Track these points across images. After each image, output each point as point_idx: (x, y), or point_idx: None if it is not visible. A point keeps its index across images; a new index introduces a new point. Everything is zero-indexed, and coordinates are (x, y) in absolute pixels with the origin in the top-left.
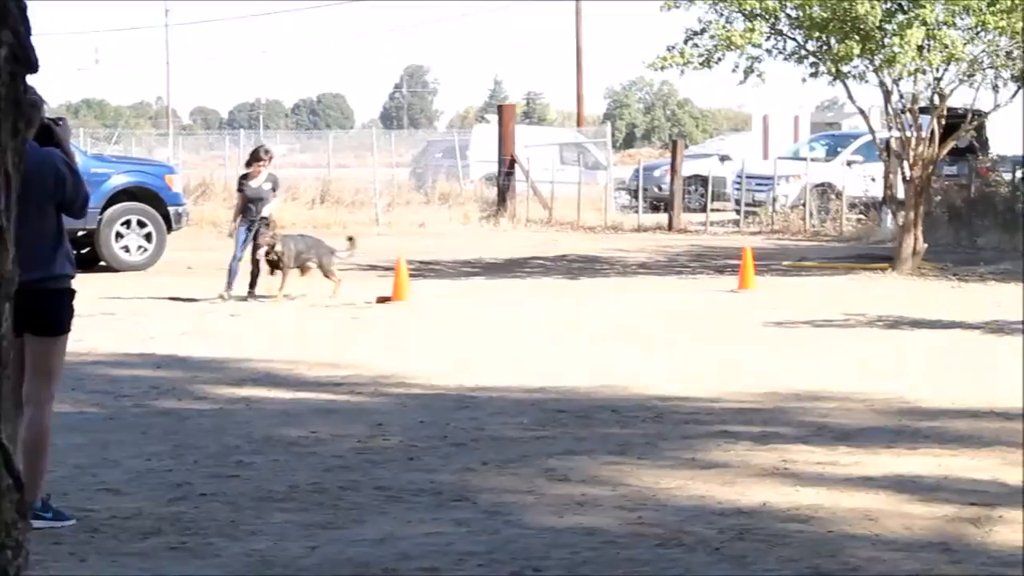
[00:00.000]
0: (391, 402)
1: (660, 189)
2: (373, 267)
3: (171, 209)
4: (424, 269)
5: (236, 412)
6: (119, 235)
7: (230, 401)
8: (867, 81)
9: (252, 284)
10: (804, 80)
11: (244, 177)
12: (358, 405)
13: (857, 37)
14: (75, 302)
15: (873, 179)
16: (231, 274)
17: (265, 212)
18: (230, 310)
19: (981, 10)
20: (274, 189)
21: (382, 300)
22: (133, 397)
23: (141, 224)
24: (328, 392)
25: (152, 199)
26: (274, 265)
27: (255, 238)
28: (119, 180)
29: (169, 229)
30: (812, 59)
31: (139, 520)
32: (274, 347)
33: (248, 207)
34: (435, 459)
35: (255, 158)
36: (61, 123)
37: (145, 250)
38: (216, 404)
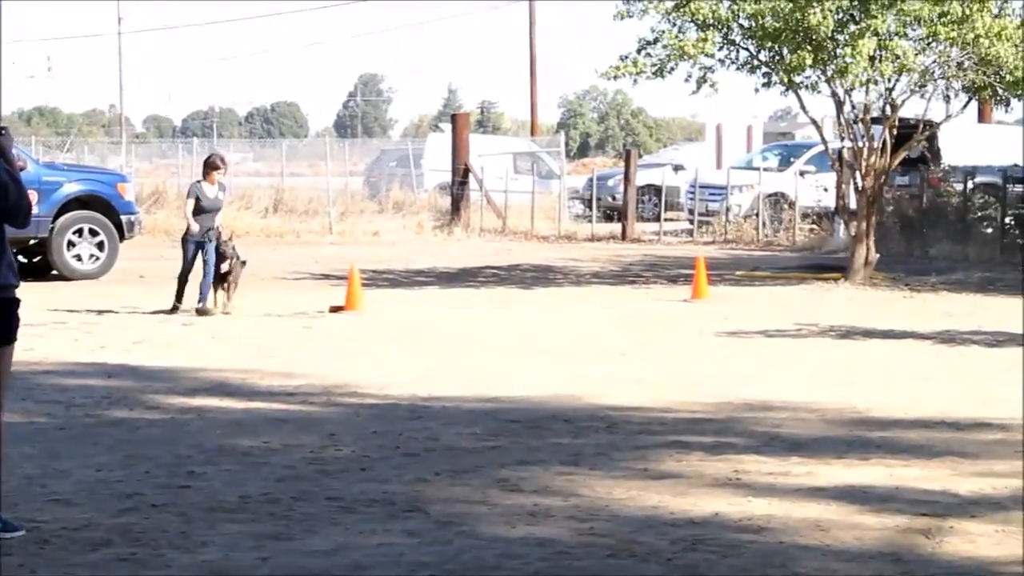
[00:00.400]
0: (344, 412)
1: (614, 199)
2: (326, 276)
3: (123, 218)
4: (377, 278)
5: (188, 422)
6: (71, 244)
7: (182, 411)
8: (819, 91)
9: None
10: (757, 90)
11: (198, 184)
12: (310, 415)
13: (809, 47)
14: (21, 311)
15: (826, 189)
16: (203, 289)
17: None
18: (183, 320)
19: (932, 21)
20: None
21: (335, 309)
22: (84, 407)
23: (93, 233)
24: (280, 402)
25: (104, 207)
26: (223, 278)
27: (222, 252)
28: (71, 188)
29: (121, 238)
30: (765, 69)
31: (89, 531)
32: (227, 357)
33: (198, 218)
34: (388, 469)
35: (210, 167)
36: (4, 132)
37: (97, 259)
38: (168, 414)
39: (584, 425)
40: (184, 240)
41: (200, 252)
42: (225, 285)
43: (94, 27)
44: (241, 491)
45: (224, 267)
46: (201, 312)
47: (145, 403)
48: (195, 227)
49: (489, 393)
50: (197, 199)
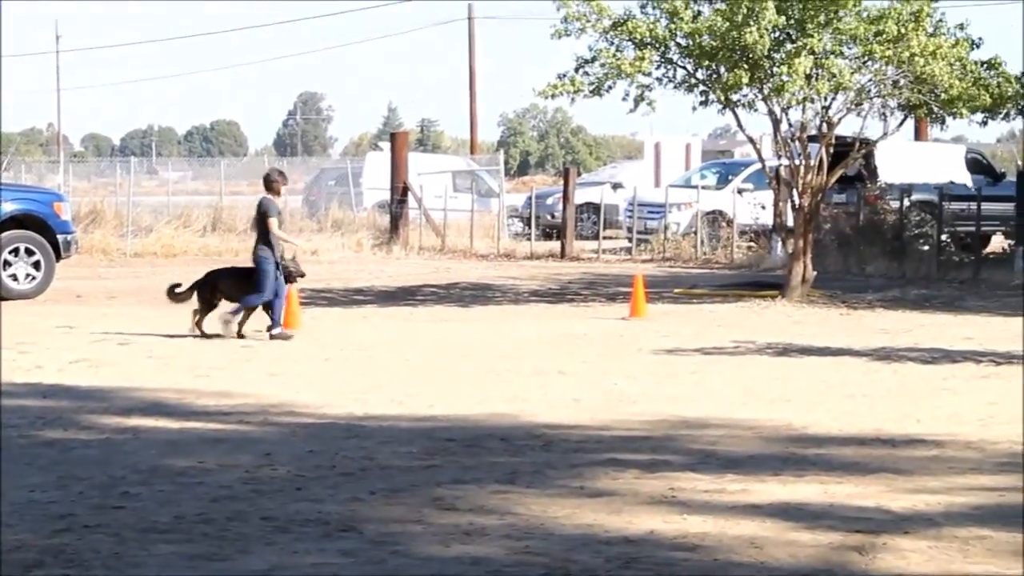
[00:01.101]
0: (280, 431)
1: (553, 217)
2: None
3: (60, 237)
4: (316, 297)
5: (123, 442)
6: (7, 263)
7: (117, 431)
8: (756, 109)
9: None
10: (694, 108)
11: (270, 200)
12: (246, 435)
13: (746, 66)
14: None
15: (763, 207)
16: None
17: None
18: (119, 340)
19: (868, 40)
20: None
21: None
22: (18, 427)
23: (29, 252)
24: (216, 422)
25: (40, 227)
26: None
27: (291, 272)
28: (6, 208)
29: (58, 257)
30: (702, 88)
31: (22, 552)
32: (163, 376)
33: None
34: (323, 489)
35: (272, 181)
36: None
37: (33, 278)
38: (103, 434)
39: (520, 443)
40: (263, 259)
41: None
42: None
43: (32, 46)
44: (175, 511)
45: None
46: (281, 337)
47: (80, 423)
48: (299, 243)
49: (425, 412)
50: (279, 215)
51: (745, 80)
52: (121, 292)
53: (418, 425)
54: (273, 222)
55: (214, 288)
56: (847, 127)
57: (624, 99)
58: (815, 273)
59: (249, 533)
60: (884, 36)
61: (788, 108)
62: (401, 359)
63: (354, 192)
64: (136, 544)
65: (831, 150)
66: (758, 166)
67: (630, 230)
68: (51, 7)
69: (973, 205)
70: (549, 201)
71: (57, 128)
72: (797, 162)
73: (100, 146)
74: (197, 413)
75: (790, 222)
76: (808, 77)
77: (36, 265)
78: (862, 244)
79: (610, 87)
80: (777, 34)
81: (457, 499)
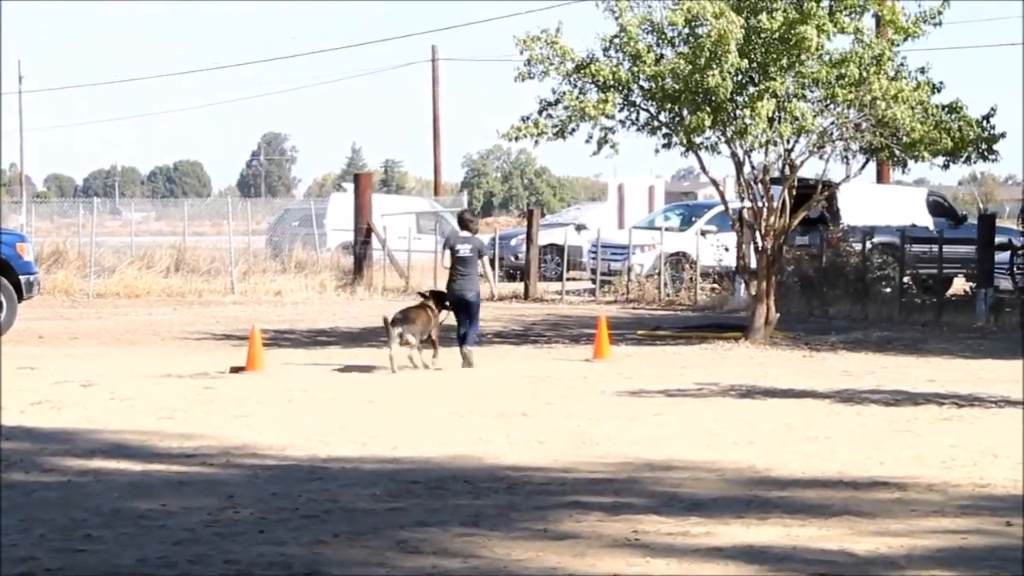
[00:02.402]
0: (243, 474)
1: (516, 258)
2: (227, 336)
3: (22, 278)
4: (279, 338)
5: (85, 485)
6: None
7: (79, 473)
8: (719, 152)
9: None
10: (657, 151)
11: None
12: (209, 477)
13: (709, 109)
14: None
15: (727, 249)
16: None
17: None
18: (81, 381)
19: (830, 83)
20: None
21: (236, 370)
22: None
23: None
24: (179, 464)
25: (3, 268)
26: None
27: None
28: None
29: (20, 298)
30: (665, 130)
31: None
32: (125, 418)
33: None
34: (286, 531)
35: (468, 221)
36: None
37: None
38: (64, 476)
39: (484, 486)
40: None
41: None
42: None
43: None
44: (138, 555)
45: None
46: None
47: (41, 465)
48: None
49: (389, 454)
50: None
51: (708, 123)
52: (84, 333)
53: (382, 467)
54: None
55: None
56: (810, 169)
57: (588, 141)
58: (778, 315)
59: None
60: (846, 79)
61: (751, 150)
62: (364, 401)
63: (318, 233)
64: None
65: (794, 192)
66: (721, 208)
67: (594, 271)
68: (14, 46)
69: (935, 248)
70: (513, 242)
71: (20, 168)
72: (760, 204)
73: (63, 186)
74: (160, 455)
75: (753, 264)
76: (771, 120)
77: None
78: (825, 286)
79: (573, 129)
80: (740, 77)
81: (421, 542)
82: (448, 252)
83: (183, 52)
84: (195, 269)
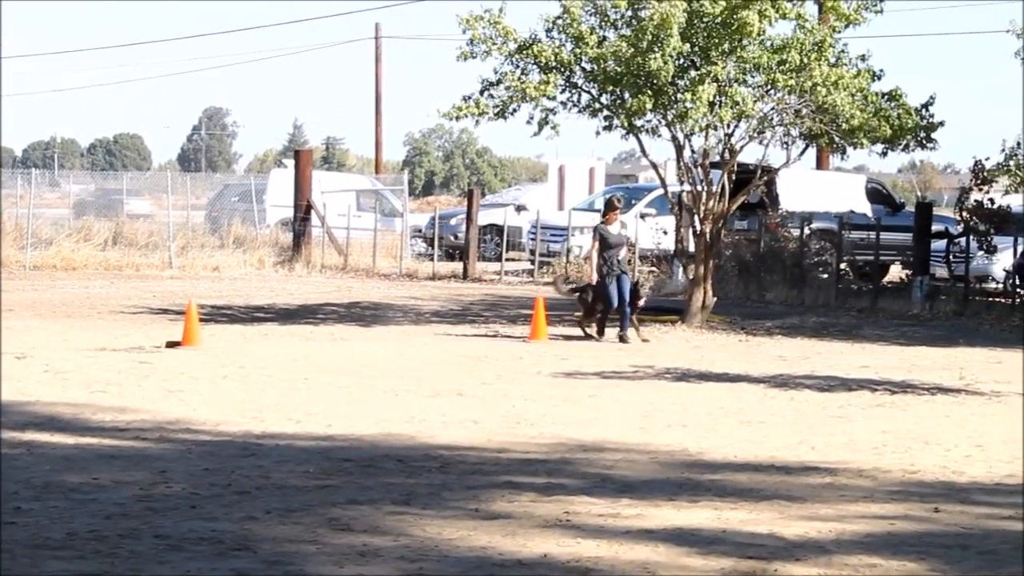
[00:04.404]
0: (176, 449)
1: (456, 238)
2: (164, 311)
3: None
4: (216, 314)
5: (16, 457)
6: None
7: (11, 446)
8: (660, 135)
9: (601, 330)
10: (598, 133)
11: (603, 224)
12: (142, 451)
13: (650, 92)
14: None
15: (665, 232)
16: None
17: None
18: (15, 353)
19: (771, 68)
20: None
21: (172, 345)
22: None
23: None
24: (112, 438)
25: None
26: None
27: (635, 294)
28: None
29: None
30: (606, 112)
31: None
32: (59, 391)
33: (605, 255)
34: (218, 507)
35: (610, 207)
36: None
37: None
38: None
39: (417, 465)
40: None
41: (616, 285)
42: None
43: None
44: (68, 528)
45: (641, 303)
46: (624, 339)
47: None
48: (594, 276)
49: (323, 431)
50: (603, 238)
51: (649, 106)
52: (19, 305)
53: (315, 445)
54: (593, 245)
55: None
56: (749, 155)
57: (529, 122)
58: (715, 299)
59: (142, 551)
60: (787, 65)
61: (691, 134)
62: (300, 378)
63: (257, 209)
64: (27, 561)
65: (733, 177)
66: (661, 191)
67: (533, 252)
68: None
69: (872, 234)
70: (453, 222)
71: None
72: (699, 188)
73: (1, 157)
74: (92, 429)
75: (691, 248)
76: (711, 104)
77: None
78: (762, 271)
79: (515, 110)
80: (681, 61)
81: (352, 520)
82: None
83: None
84: (133, 243)
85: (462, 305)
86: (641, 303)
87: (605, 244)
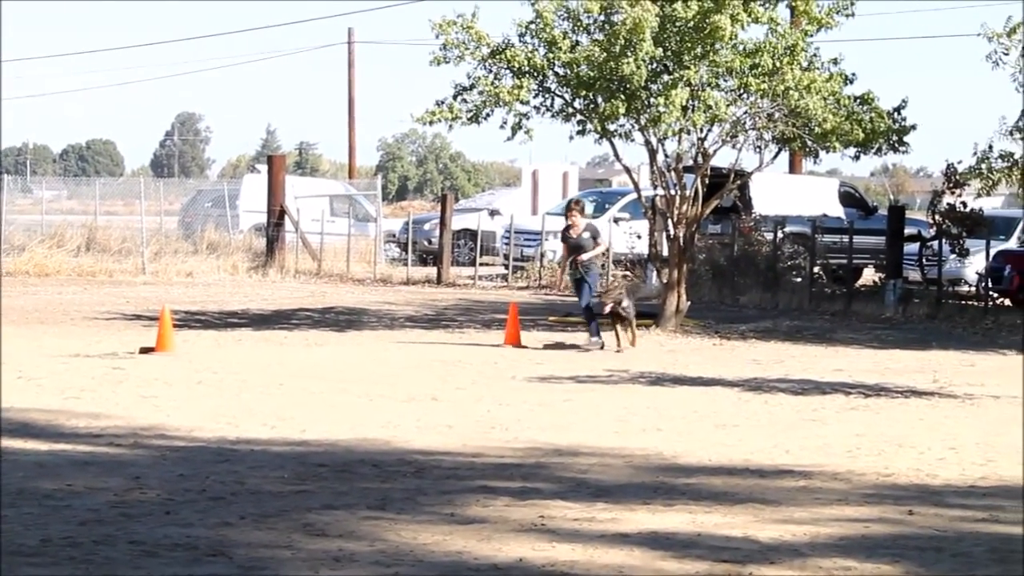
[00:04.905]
0: (150, 455)
1: (430, 243)
2: (138, 317)
3: None
4: (190, 320)
5: None
6: None
7: None
8: (633, 140)
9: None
10: (571, 137)
11: (566, 229)
12: (116, 457)
13: (623, 96)
14: None
15: (639, 236)
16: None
17: (585, 258)
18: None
19: (744, 73)
20: (594, 238)
21: (146, 351)
22: None
23: None
24: (86, 444)
25: None
26: (617, 319)
27: (602, 295)
28: None
29: None
30: (580, 117)
31: None
32: (33, 397)
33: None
34: (192, 513)
35: (568, 209)
36: None
37: None
38: None
39: (392, 470)
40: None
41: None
42: (622, 323)
43: None
44: (42, 535)
45: (607, 308)
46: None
47: None
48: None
49: (297, 437)
50: (564, 241)
51: (622, 110)
52: None
53: (290, 450)
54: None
55: None
56: (723, 159)
57: (502, 127)
58: (689, 303)
59: (116, 557)
60: (760, 69)
61: (664, 139)
62: (274, 383)
63: (230, 214)
64: (2, 567)
65: (706, 181)
66: (634, 196)
67: (507, 257)
68: None
69: (846, 238)
70: (426, 227)
71: None
72: (673, 192)
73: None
74: (66, 435)
75: (665, 252)
76: (684, 108)
77: None
78: (736, 275)
79: (488, 115)
80: (654, 65)
81: (327, 525)
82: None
83: (96, 29)
84: (106, 249)
85: (436, 310)
86: (607, 309)
87: (568, 248)
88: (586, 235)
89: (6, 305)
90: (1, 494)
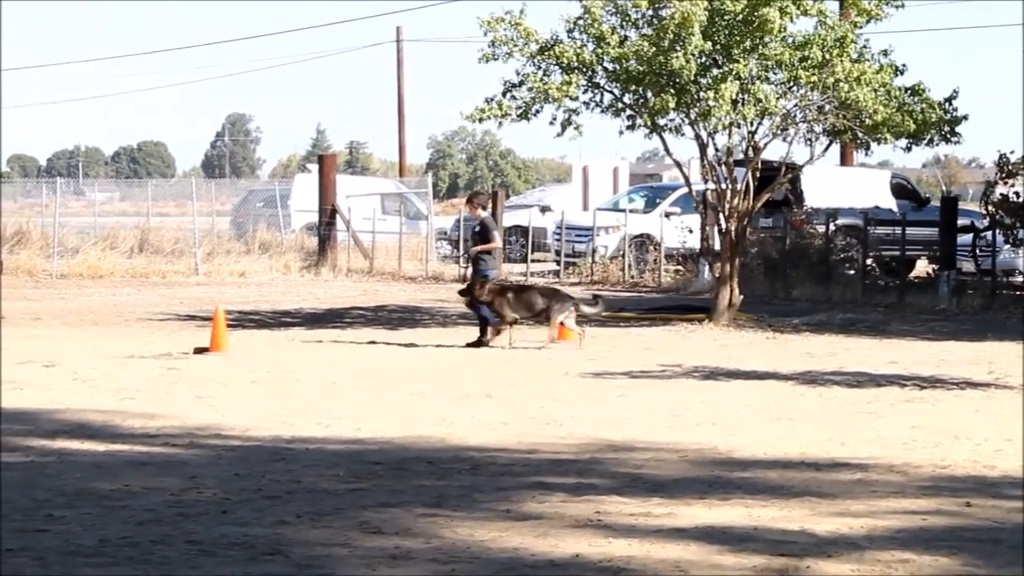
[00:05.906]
0: (206, 454)
1: None
2: (192, 317)
3: None
4: (243, 319)
5: (47, 465)
6: None
7: (41, 454)
8: (683, 134)
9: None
10: (621, 133)
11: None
12: (172, 457)
13: (673, 91)
14: None
15: (691, 231)
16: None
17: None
18: (44, 361)
19: (793, 65)
20: (480, 233)
21: (200, 351)
22: None
23: None
24: (142, 444)
25: None
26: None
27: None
28: None
29: None
30: (629, 112)
31: None
32: (88, 398)
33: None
34: (249, 512)
35: (467, 202)
36: None
37: None
38: (27, 457)
39: (447, 467)
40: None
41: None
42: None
43: None
44: (100, 535)
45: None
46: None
47: (4, 446)
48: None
49: (352, 435)
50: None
51: (672, 105)
52: (46, 313)
53: (345, 448)
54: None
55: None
56: (773, 152)
57: (552, 123)
58: (742, 297)
59: (174, 557)
60: (809, 62)
61: (714, 133)
62: (328, 382)
63: (282, 214)
64: (60, 568)
65: (757, 174)
66: (685, 190)
67: (558, 253)
68: None
69: (898, 230)
70: None
71: None
72: (724, 186)
73: (26, 166)
74: (123, 435)
75: (717, 246)
76: (734, 102)
77: None
78: (788, 268)
79: (537, 111)
80: (703, 59)
81: (383, 522)
82: None
83: (146, 32)
84: (159, 250)
85: None
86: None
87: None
88: (478, 227)
89: (62, 308)
90: (1, 494)
